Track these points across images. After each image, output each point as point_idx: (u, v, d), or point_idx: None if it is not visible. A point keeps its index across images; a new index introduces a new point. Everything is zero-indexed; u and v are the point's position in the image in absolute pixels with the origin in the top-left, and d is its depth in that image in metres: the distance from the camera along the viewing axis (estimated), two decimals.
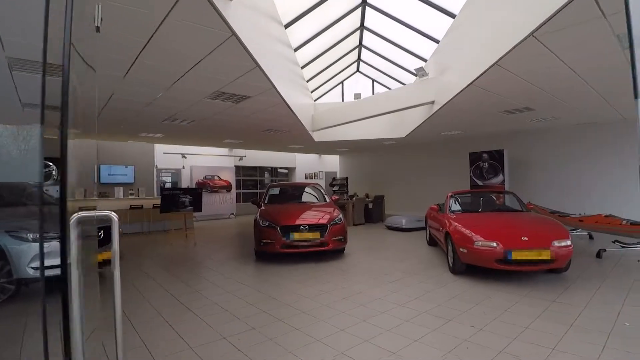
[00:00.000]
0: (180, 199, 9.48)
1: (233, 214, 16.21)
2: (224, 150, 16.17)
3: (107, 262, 5.24)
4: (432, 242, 8.08)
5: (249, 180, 18.42)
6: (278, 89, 6.07)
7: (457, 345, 3.20)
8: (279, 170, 19.81)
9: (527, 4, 4.09)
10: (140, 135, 10.90)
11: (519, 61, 4.88)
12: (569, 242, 4.98)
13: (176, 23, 3.54)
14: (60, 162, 1.37)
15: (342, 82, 13.11)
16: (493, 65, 5.00)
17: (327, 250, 6.79)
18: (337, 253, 7.32)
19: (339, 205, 9.64)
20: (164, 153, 14.43)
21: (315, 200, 8.50)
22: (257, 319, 3.92)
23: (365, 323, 3.76)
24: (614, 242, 6.86)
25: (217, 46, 4.10)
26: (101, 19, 1.56)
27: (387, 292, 4.83)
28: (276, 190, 8.95)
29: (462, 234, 5.44)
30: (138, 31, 3.72)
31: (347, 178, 15.85)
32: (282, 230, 6.52)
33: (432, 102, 7.77)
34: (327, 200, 8.37)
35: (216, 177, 15.76)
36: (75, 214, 1.46)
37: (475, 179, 11.29)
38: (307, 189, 9.12)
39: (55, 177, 11.64)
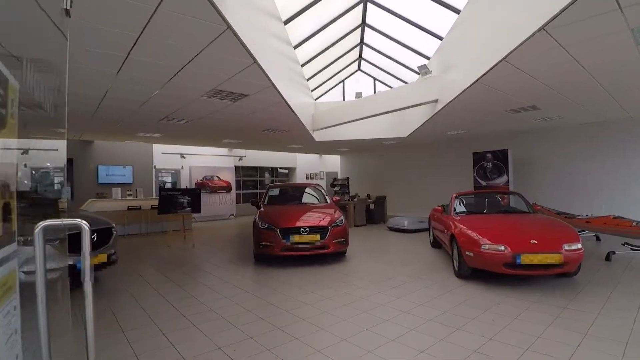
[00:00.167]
0: (179, 200, 9.30)
1: (233, 214, 16.03)
2: (223, 150, 16.00)
3: (101, 266, 5.05)
4: (435, 244, 7.88)
5: (249, 181, 18.24)
6: (277, 87, 5.88)
7: (467, 357, 3.01)
8: (279, 170, 19.63)
9: None
10: (137, 135, 10.72)
11: (527, 57, 4.70)
12: (579, 246, 4.80)
13: (168, 15, 3.35)
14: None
15: (343, 81, 12.93)
16: (501, 61, 4.81)
17: (328, 253, 6.60)
18: (338, 256, 7.12)
19: (340, 206, 9.47)
20: (162, 153, 14.26)
21: (316, 202, 8.31)
22: (254, 327, 3.73)
23: (369, 332, 3.56)
24: (623, 244, 6.66)
25: (212, 41, 3.91)
26: (71, 1, 1.37)
27: (390, 297, 4.64)
28: (276, 191, 8.76)
29: (468, 236, 5.24)
30: (129, 25, 3.53)
31: (348, 178, 15.66)
32: (282, 232, 6.33)
33: (436, 101, 7.58)
34: (328, 201, 8.18)
35: (216, 178, 15.58)
36: (41, 223, 1.28)
37: (478, 179, 11.09)
38: (307, 190, 8.93)
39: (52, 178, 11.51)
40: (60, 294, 1.64)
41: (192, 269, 6.48)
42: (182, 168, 15.00)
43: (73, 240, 4.95)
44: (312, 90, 11.31)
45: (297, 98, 8.57)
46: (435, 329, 3.60)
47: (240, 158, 16.51)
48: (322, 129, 10.55)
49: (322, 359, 3.04)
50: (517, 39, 4.30)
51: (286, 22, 7.54)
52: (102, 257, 5.29)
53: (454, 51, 6.88)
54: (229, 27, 3.53)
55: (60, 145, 1.68)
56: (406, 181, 15.28)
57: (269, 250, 6.42)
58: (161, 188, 13.11)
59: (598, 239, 8.32)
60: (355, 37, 10.27)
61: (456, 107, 7.33)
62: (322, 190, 8.62)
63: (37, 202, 1.76)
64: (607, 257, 6.32)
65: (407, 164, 15.36)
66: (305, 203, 8.28)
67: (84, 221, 1.35)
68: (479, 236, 5.07)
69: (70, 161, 12.19)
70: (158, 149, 14.15)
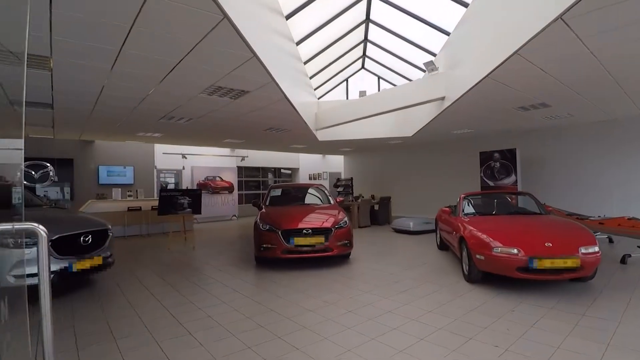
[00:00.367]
0: (179, 201, 9.10)
1: (235, 215, 15.84)
2: (225, 151, 15.82)
3: (96, 269, 4.85)
4: (442, 246, 7.63)
5: (252, 181, 18.04)
6: (278, 83, 5.67)
7: None
8: (282, 171, 19.43)
9: None
10: (138, 134, 10.55)
11: (541, 49, 4.48)
12: (596, 249, 4.55)
13: (160, 2, 3.14)
14: None
15: (346, 80, 12.70)
16: (513, 54, 4.58)
17: (331, 255, 6.37)
18: (342, 259, 6.89)
19: (344, 207, 9.23)
20: (163, 153, 14.10)
21: (319, 202, 8.07)
22: (253, 336, 3.51)
23: (375, 342, 3.33)
24: (639, 246, 6.40)
25: (209, 32, 3.70)
26: None
27: (397, 303, 4.40)
28: (278, 192, 8.54)
29: (479, 239, 4.99)
30: (119, 15, 3.33)
31: (351, 179, 15.39)
32: (284, 234, 6.10)
33: (442, 98, 7.34)
34: (331, 202, 7.94)
35: (218, 178, 15.39)
36: None
37: (486, 179, 10.83)
38: (310, 191, 8.70)
39: (52, 179, 11.36)
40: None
41: (191, 272, 6.27)
42: (183, 168, 14.83)
43: (66, 243, 4.70)
44: (314, 89, 11.09)
45: (300, 96, 8.35)
46: (447, 339, 3.36)
47: (243, 158, 16.33)
48: (325, 128, 10.32)
49: None
50: (531, 30, 4.07)
51: (288, 17, 7.32)
52: (97, 260, 5.10)
53: (462, 46, 6.64)
54: (226, 16, 3.32)
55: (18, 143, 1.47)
56: (411, 181, 15.04)
57: (271, 253, 6.20)
58: (162, 189, 12.94)
59: (611, 240, 8.07)
60: (359, 34, 10.03)
61: (464, 105, 7.10)
62: (325, 191, 8.39)
63: None
64: (623, 260, 6.07)
65: (412, 164, 15.11)
66: (308, 204, 8.04)
67: (40, 226, 1.13)
68: (490, 239, 4.82)
69: (70, 161, 12.05)
70: (159, 149, 13.99)
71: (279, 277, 5.76)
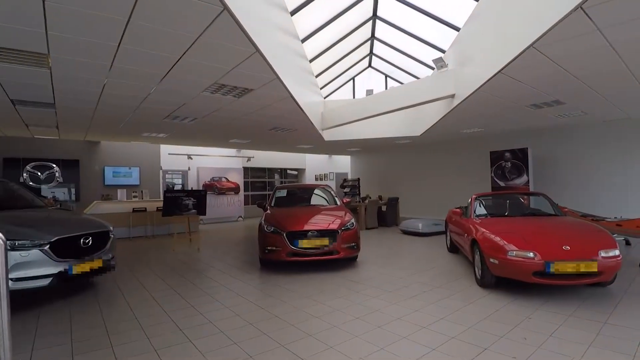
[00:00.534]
0: (184, 202, 8.99)
1: (241, 216, 15.72)
2: (231, 151, 15.72)
3: (97, 272, 4.72)
4: (453, 248, 7.40)
5: (258, 182, 17.92)
6: (283, 81, 5.50)
7: None
8: (288, 171, 19.30)
9: None
10: (143, 135, 10.47)
11: (557, 43, 4.25)
12: (617, 252, 4.32)
13: None
14: None
15: (353, 78, 12.50)
16: (528, 48, 4.36)
17: (337, 258, 6.18)
18: (349, 262, 6.70)
19: (351, 208, 9.04)
20: (169, 154, 14.04)
21: (325, 203, 7.88)
22: (255, 345, 3.33)
23: (384, 352, 3.14)
24: None
25: (209, 25, 3.54)
26: None
27: (407, 310, 4.20)
28: (283, 193, 8.36)
29: (493, 242, 4.77)
30: (115, 7, 3.18)
31: (358, 179, 15.19)
32: (289, 236, 5.93)
33: (452, 96, 7.11)
34: (338, 203, 7.76)
35: (224, 179, 15.29)
36: None
37: (496, 179, 10.56)
38: (316, 191, 8.51)
39: (58, 179, 11.33)
40: None
41: (195, 275, 6.13)
42: (189, 169, 14.75)
43: (66, 245, 4.55)
44: (320, 88, 10.91)
45: (305, 95, 8.18)
46: (461, 349, 3.16)
47: (249, 159, 16.22)
48: (331, 127, 10.14)
49: None
50: (548, 21, 3.85)
51: (292, 13, 7.16)
52: (98, 263, 4.97)
53: (473, 42, 6.42)
54: (226, 7, 3.16)
55: None
56: (419, 182, 14.79)
57: (275, 256, 6.03)
58: (167, 189, 12.87)
59: (627, 243, 7.78)
60: (365, 31, 9.83)
61: (474, 102, 6.87)
62: (332, 192, 8.21)
63: None
64: None
65: (420, 164, 14.86)
66: (314, 205, 7.86)
67: None
68: (504, 242, 4.59)
69: (76, 162, 12.03)
70: (165, 149, 13.92)
71: (284, 281, 5.59)
